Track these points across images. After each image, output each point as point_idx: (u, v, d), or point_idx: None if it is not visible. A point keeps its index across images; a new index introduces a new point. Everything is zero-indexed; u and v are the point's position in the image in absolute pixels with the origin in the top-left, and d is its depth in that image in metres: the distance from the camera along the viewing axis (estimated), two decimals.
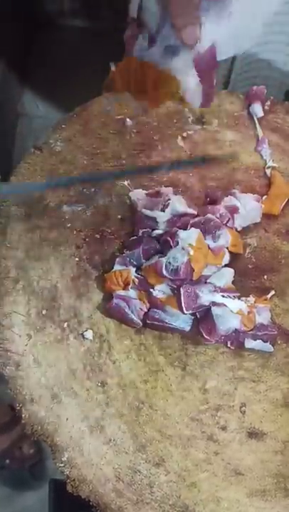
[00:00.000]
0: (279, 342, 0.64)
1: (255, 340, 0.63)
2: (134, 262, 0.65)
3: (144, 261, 0.65)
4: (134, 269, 0.65)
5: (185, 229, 0.64)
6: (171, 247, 0.62)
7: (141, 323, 0.63)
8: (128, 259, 0.65)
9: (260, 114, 0.76)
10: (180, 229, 0.64)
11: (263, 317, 0.64)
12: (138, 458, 0.58)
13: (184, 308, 0.61)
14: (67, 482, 0.57)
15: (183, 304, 0.61)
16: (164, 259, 0.62)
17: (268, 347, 0.63)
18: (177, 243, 0.62)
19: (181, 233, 0.62)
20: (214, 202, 0.69)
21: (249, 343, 0.63)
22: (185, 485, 0.57)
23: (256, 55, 1.15)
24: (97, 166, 0.72)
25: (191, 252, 0.61)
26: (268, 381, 0.62)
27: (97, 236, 0.69)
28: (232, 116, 0.77)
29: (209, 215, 0.66)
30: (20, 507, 1.30)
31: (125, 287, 0.64)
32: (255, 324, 0.63)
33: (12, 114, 1.60)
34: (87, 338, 0.63)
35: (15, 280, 0.65)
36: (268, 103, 0.77)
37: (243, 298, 0.64)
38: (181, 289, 0.61)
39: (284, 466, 0.58)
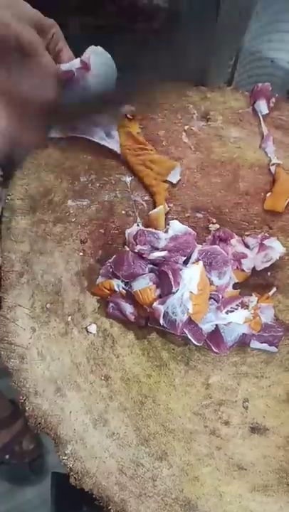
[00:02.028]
0: (283, 338, 0.64)
1: (261, 343, 0.63)
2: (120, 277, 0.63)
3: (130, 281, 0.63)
4: (119, 281, 0.63)
5: (187, 256, 0.62)
6: (171, 284, 0.58)
7: (142, 323, 0.63)
8: (111, 270, 0.63)
9: (265, 111, 0.76)
10: (181, 255, 0.61)
11: (266, 315, 0.64)
12: (141, 451, 0.58)
13: (196, 342, 0.59)
14: (70, 475, 0.57)
15: (192, 340, 0.59)
16: (162, 308, 0.59)
17: (273, 349, 0.63)
18: (178, 284, 0.58)
19: (184, 273, 0.59)
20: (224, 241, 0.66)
21: (255, 344, 0.63)
22: (188, 479, 0.57)
23: (259, 53, 1.15)
24: (102, 162, 0.72)
25: (191, 309, 0.57)
26: (271, 377, 0.63)
27: (102, 231, 0.69)
28: (237, 113, 0.77)
29: (216, 247, 0.63)
30: (20, 502, 1.31)
31: (113, 293, 0.63)
32: (261, 325, 0.63)
33: None
34: (90, 332, 0.64)
35: (19, 274, 0.65)
36: (273, 100, 0.77)
37: (246, 298, 0.64)
38: (185, 330, 0.59)
39: (287, 461, 0.58)
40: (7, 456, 1.33)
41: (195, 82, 0.81)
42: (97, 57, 0.65)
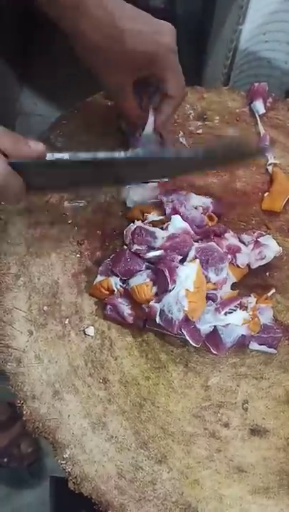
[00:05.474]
0: (282, 339, 0.64)
1: (260, 344, 0.62)
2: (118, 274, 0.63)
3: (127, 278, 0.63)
4: (117, 279, 0.63)
5: (183, 255, 0.62)
6: (167, 282, 0.58)
7: (140, 325, 0.63)
8: (110, 268, 0.64)
9: (262, 110, 0.76)
10: (178, 254, 0.61)
11: (265, 316, 0.64)
12: (140, 455, 0.57)
13: (193, 343, 0.59)
14: (68, 479, 0.56)
15: (190, 341, 0.59)
16: (158, 306, 0.58)
17: (272, 350, 0.63)
18: (174, 282, 0.58)
19: (181, 271, 0.58)
20: (218, 235, 0.66)
21: (254, 346, 0.62)
22: (188, 482, 0.57)
23: (256, 53, 1.15)
24: None
25: (186, 307, 0.57)
26: (270, 378, 0.62)
27: (99, 232, 0.69)
28: (233, 113, 0.77)
29: (212, 244, 0.63)
30: (18, 505, 1.30)
31: (111, 293, 0.63)
32: (260, 326, 0.63)
33: (11, 113, 1.59)
34: (88, 335, 0.63)
35: (16, 276, 0.65)
36: (270, 100, 0.77)
37: (245, 298, 0.63)
38: (183, 330, 0.58)
39: (287, 463, 0.58)
40: (5, 460, 1.32)
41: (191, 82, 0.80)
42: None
